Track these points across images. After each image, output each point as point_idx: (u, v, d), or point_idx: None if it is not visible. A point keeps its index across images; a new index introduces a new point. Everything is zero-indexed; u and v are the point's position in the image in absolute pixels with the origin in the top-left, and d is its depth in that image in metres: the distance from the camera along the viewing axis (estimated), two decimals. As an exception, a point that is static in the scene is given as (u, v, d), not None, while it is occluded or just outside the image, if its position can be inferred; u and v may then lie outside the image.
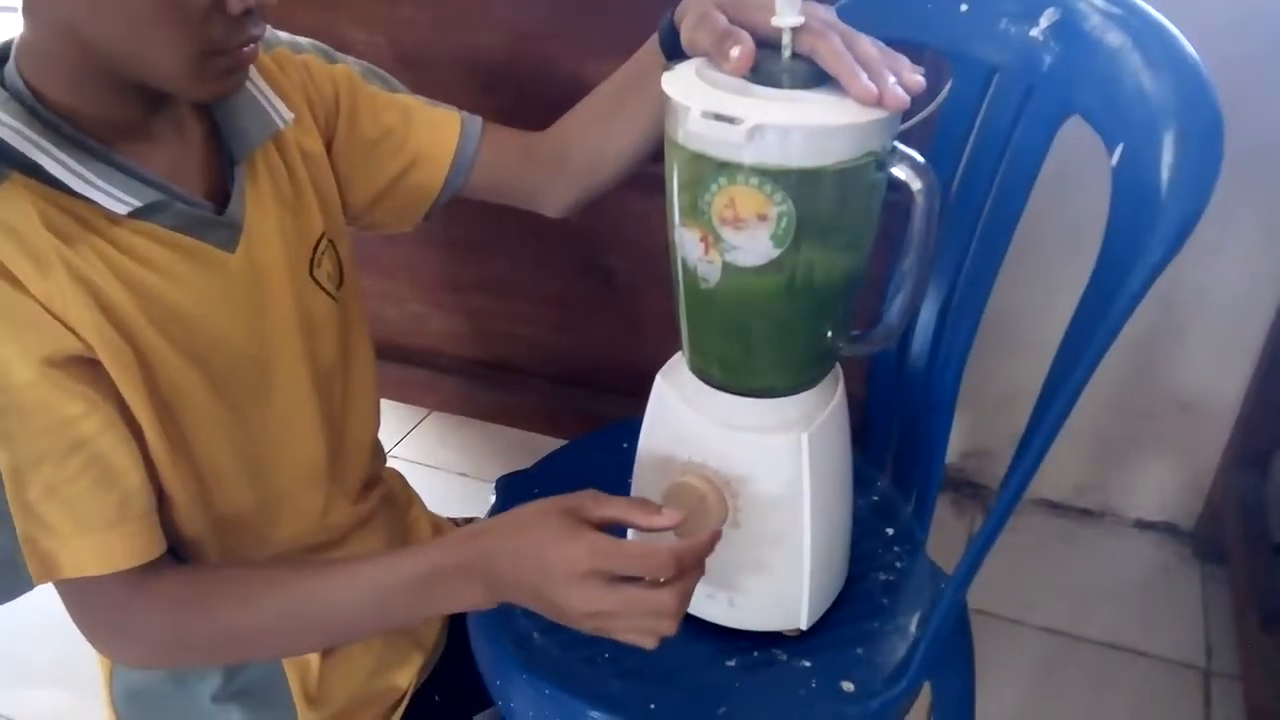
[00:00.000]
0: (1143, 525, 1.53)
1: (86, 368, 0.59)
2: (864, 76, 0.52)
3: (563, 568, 0.56)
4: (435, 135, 0.80)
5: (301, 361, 0.72)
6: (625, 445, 0.72)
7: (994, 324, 1.27)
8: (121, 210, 0.59)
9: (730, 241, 0.56)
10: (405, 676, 0.83)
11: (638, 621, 0.57)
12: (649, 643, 0.57)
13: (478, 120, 0.82)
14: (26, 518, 0.59)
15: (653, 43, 0.73)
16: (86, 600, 0.62)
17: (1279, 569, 1.23)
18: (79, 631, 0.64)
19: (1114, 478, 1.52)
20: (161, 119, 0.64)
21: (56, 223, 0.58)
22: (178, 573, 0.64)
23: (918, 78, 0.54)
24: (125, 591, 0.61)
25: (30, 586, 0.60)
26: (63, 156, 0.58)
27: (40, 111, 0.58)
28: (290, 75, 0.73)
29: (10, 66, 0.60)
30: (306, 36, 0.79)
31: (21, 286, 0.56)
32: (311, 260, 0.73)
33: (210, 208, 0.65)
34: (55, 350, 0.57)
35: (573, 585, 0.56)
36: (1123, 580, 1.45)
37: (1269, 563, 1.23)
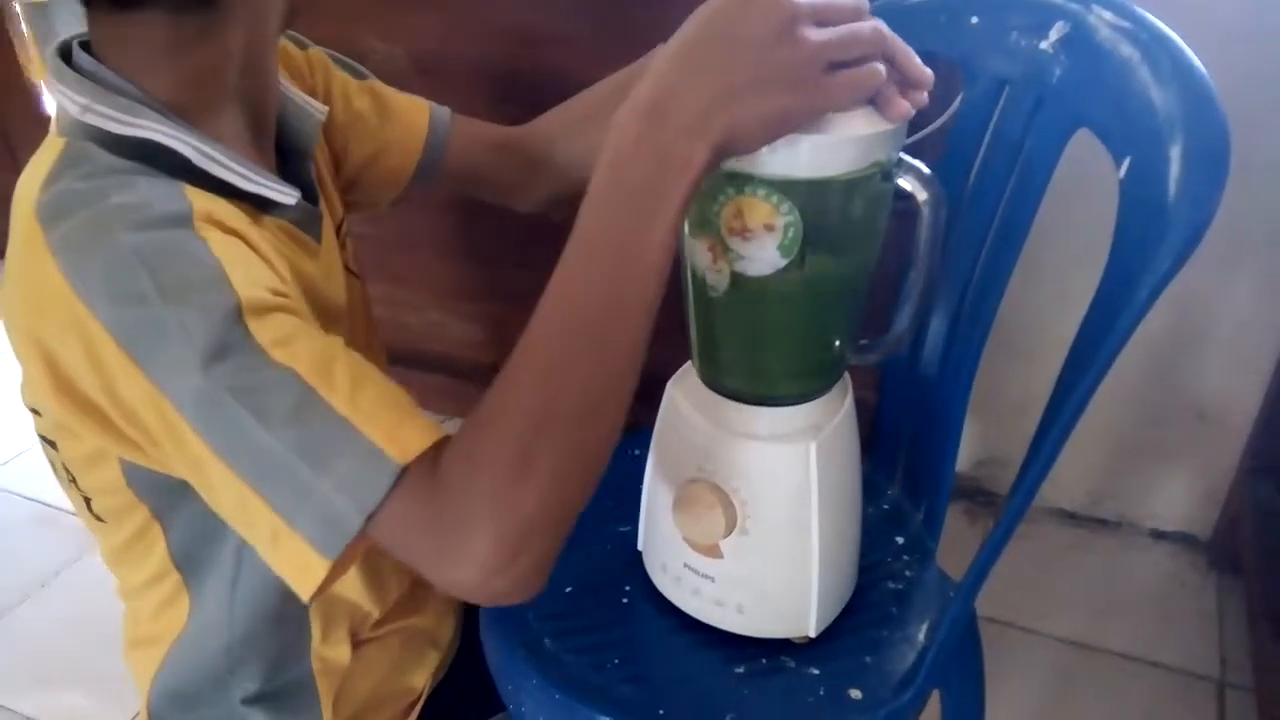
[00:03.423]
0: (1158, 535, 1.52)
1: None
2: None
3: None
4: (406, 120, 0.81)
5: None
6: (637, 453, 0.73)
7: (1008, 332, 1.27)
8: (290, 201, 0.61)
9: (738, 251, 0.57)
10: (421, 677, 0.84)
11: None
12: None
13: (446, 110, 0.84)
14: (354, 407, 0.50)
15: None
16: (422, 502, 0.50)
17: (1295, 580, 1.23)
18: (433, 566, 0.50)
19: (1130, 487, 1.51)
20: (255, 132, 0.65)
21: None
22: (454, 445, 0.51)
23: (923, 96, 0.54)
24: (440, 472, 0.50)
25: (358, 526, 0.49)
26: (220, 157, 0.58)
27: (172, 116, 0.58)
28: (281, 66, 0.74)
29: (110, 76, 0.57)
30: (326, 46, 0.80)
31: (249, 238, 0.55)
32: (341, 244, 0.75)
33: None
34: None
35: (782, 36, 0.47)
36: (1138, 590, 1.44)
37: (1285, 573, 1.23)
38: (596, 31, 1.22)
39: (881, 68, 0.50)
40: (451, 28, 1.29)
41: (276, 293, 0.53)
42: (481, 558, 0.48)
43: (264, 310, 0.51)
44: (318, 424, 0.49)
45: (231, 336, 0.49)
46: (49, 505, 1.61)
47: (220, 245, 0.52)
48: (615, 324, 0.50)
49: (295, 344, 0.51)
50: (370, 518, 0.49)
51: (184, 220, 0.52)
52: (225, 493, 0.51)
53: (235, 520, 0.53)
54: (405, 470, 0.49)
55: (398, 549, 0.51)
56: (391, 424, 0.50)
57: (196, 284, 0.50)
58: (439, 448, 0.51)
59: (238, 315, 0.50)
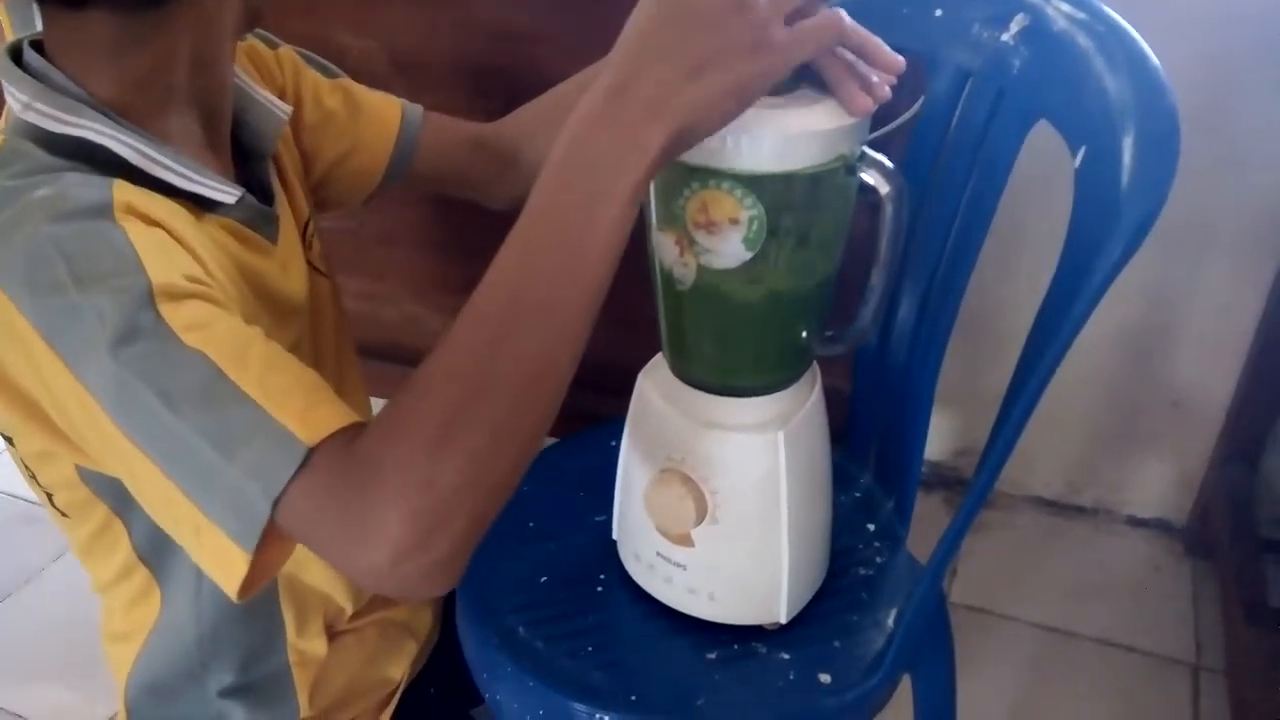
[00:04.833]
0: (1135, 522, 1.54)
1: None
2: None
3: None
4: (377, 118, 0.82)
5: (306, 348, 0.73)
6: (612, 444, 0.74)
7: (986, 323, 1.28)
8: (230, 199, 0.61)
9: (704, 245, 0.58)
10: (399, 668, 0.85)
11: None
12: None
13: (418, 108, 0.84)
14: (264, 390, 0.49)
15: None
16: (331, 484, 0.48)
17: (1266, 563, 1.24)
18: (340, 551, 0.48)
19: (1106, 475, 1.53)
20: (209, 132, 0.65)
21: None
22: (376, 418, 0.50)
23: (885, 90, 0.55)
24: (355, 448, 0.48)
25: (266, 512, 0.47)
26: (158, 156, 0.58)
27: (115, 116, 0.58)
28: (250, 66, 0.75)
29: (57, 76, 0.58)
30: (302, 43, 0.80)
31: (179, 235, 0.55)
32: (306, 243, 0.75)
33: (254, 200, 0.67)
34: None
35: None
36: (1114, 577, 1.46)
37: (1256, 557, 1.24)
38: (577, 28, 1.22)
39: (841, 12, 0.51)
40: (429, 24, 1.29)
41: (195, 280, 0.52)
42: (391, 537, 0.45)
43: (178, 296, 0.50)
44: (227, 407, 0.48)
45: (142, 319, 0.49)
46: (32, 502, 1.60)
47: (138, 234, 0.52)
48: (560, 302, 0.48)
49: (209, 329, 0.50)
50: (277, 502, 0.47)
51: (103, 210, 0.52)
52: (149, 488, 0.50)
53: (163, 519, 0.52)
54: (313, 451, 0.47)
55: (308, 538, 0.49)
56: (303, 406, 0.49)
57: (111, 270, 0.50)
58: (356, 430, 0.49)
59: (149, 299, 0.49)
